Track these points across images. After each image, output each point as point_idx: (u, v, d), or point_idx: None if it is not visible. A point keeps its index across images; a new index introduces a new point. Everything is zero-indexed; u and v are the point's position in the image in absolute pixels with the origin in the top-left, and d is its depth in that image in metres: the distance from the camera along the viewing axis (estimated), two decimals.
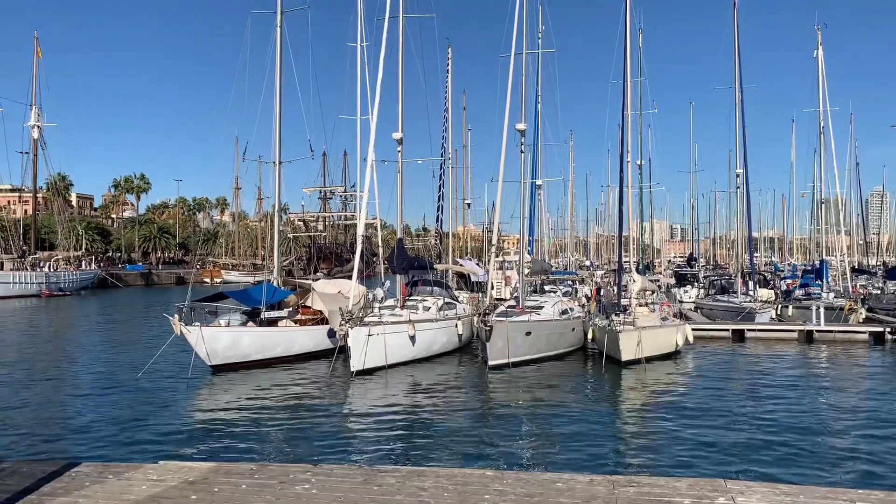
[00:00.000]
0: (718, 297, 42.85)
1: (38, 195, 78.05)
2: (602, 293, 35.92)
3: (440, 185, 41.69)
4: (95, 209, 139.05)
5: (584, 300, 36.78)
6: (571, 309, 29.84)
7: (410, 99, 32.52)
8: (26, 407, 17.87)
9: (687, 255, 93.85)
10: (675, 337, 27.00)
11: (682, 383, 22.20)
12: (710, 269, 73.56)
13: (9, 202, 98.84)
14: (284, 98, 29.81)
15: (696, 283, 54.89)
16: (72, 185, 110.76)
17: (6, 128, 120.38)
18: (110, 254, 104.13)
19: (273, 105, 29.48)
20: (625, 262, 34.54)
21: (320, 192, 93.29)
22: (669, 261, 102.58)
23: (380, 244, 38.18)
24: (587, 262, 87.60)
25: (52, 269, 69.14)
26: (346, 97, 38.03)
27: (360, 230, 29.17)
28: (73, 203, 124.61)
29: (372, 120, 28.10)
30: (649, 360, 24.49)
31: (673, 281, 58.87)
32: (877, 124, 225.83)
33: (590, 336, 27.33)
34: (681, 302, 47.91)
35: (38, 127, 70.53)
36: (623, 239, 34.64)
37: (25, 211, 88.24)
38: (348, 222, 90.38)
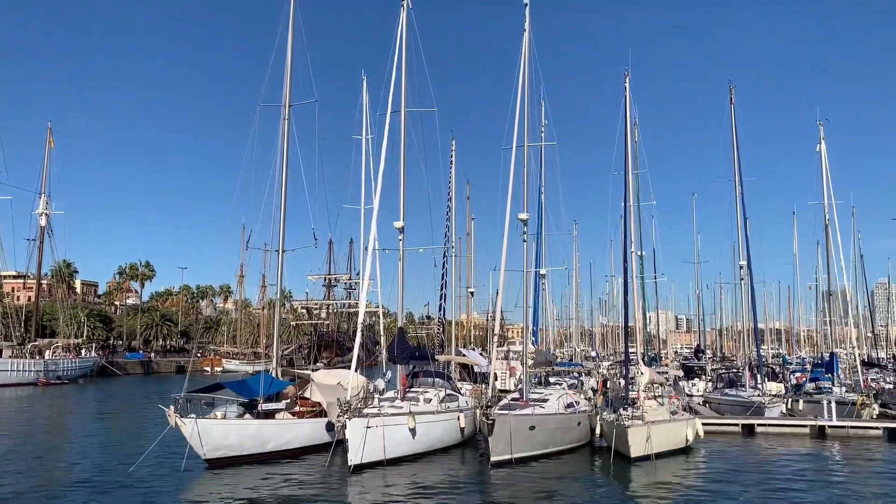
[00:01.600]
0: (727, 390, 41.93)
1: (42, 282, 78.11)
2: (609, 385, 35.18)
3: (443, 274, 41.57)
4: (99, 296, 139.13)
5: (590, 393, 35.95)
6: (577, 402, 29.08)
7: (413, 189, 32.86)
8: (8, 501, 17.12)
9: (694, 346, 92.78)
10: (686, 432, 26.19)
11: (694, 484, 21.27)
12: (718, 360, 72.43)
13: (13, 288, 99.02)
14: (290, 187, 30.07)
15: (703, 376, 53.87)
16: (76, 272, 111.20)
17: (14, 215, 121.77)
18: (112, 341, 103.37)
19: (278, 195, 29.72)
20: (631, 353, 33.94)
21: (325, 279, 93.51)
22: (676, 352, 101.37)
23: (381, 333, 37.74)
24: (593, 353, 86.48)
25: (51, 357, 68.37)
26: (351, 187, 38.51)
27: (361, 318, 28.86)
28: (78, 290, 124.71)
29: (374, 209, 28.37)
30: (659, 456, 23.65)
31: (681, 373, 57.82)
32: (879, 217, 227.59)
33: (597, 431, 26.50)
34: (689, 395, 46.88)
35: (46, 215, 71.27)
36: (629, 330, 34.18)
37: (29, 297, 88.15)
38: (352, 310, 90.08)
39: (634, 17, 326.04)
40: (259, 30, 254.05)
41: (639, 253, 46.64)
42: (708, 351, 76.99)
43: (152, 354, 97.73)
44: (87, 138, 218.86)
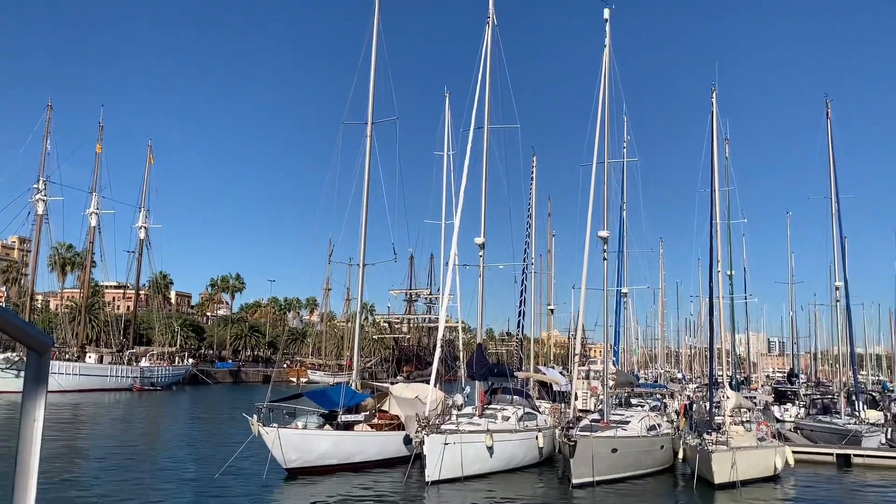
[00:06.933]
0: (820, 417, 39.82)
1: (140, 292, 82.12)
2: (693, 409, 34.07)
3: (522, 290, 41.33)
4: (192, 307, 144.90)
5: (673, 416, 34.88)
6: (659, 425, 28.26)
7: (494, 205, 32.99)
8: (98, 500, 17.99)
9: (787, 370, 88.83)
10: (774, 459, 25.03)
11: None
12: (812, 385, 69.01)
13: (113, 298, 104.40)
14: (371, 203, 30.69)
15: (797, 401, 51.45)
16: (172, 283, 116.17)
17: (116, 228, 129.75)
18: (203, 350, 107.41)
19: (360, 210, 30.36)
20: (718, 376, 32.77)
21: (406, 294, 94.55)
22: (768, 376, 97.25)
23: (461, 348, 37.80)
24: (679, 375, 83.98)
25: (146, 364, 71.60)
26: (432, 202, 38.92)
27: (440, 333, 28.98)
28: (172, 300, 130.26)
29: (455, 225, 28.53)
30: (745, 483, 22.69)
31: (771, 398, 55.41)
32: None
33: (680, 455, 25.69)
34: (779, 421, 44.83)
35: (145, 228, 75.16)
36: (714, 351, 33.04)
37: (128, 307, 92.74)
38: (432, 325, 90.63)
39: (721, 31, 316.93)
40: (344, 48, 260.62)
41: (728, 272, 45.19)
42: (802, 375, 73.48)
43: (241, 364, 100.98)
44: (182, 153, 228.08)
